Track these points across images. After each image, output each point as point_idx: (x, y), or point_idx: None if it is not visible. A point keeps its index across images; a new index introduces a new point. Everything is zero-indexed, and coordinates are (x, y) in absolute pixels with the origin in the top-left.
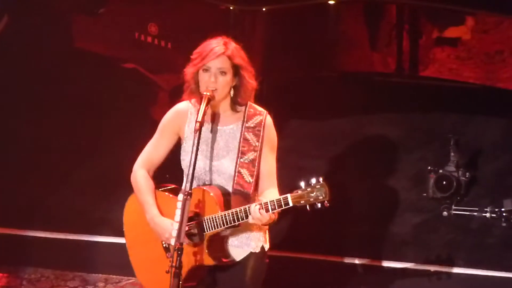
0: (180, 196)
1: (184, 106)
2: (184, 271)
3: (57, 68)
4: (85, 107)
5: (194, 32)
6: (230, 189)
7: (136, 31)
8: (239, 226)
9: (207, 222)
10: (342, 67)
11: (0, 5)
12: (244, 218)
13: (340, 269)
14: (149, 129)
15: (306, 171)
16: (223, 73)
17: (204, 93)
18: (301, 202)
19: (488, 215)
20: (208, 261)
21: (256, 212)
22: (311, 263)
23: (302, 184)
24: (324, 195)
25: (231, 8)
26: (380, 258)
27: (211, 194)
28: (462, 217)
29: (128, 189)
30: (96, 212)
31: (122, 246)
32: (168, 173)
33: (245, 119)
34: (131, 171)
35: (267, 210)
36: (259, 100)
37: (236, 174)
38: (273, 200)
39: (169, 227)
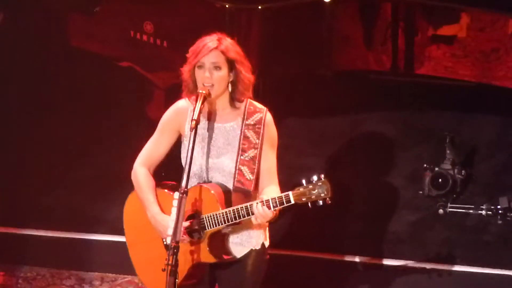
0: (176, 195)
1: (184, 103)
2: (185, 268)
3: (52, 66)
4: (81, 106)
5: (190, 30)
6: (231, 187)
7: (131, 29)
8: (240, 224)
9: (208, 219)
10: (338, 65)
11: None
12: (246, 215)
13: (337, 266)
14: (145, 127)
15: (302, 169)
16: (218, 68)
17: (200, 91)
18: (303, 199)
19: (484, 212)
20: (209, 258)
21: (259, 209)
22: (308, 261)
23: (304, 181)
24: (326, 192)
25: (226, 6)
26: (376, 256)
27: (212, 191)
28: (458, 215)
29: (124, 187)
30: (92, 210)
31: (118, 244)
32: (166, 171)
33: (245, 117)
34: (127, 169)
35: (268, 207)
36: (255, 98)
37: (237, 171)
38: (275, 198)
39: (170, 222)
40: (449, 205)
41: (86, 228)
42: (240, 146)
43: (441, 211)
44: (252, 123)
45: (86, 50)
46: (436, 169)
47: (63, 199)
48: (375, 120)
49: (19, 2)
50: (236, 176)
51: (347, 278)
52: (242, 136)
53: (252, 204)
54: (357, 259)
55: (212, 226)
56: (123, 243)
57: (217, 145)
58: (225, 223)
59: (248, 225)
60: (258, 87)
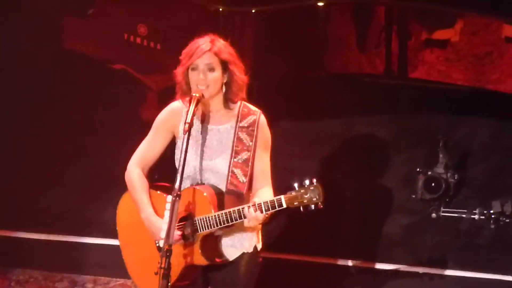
0: (169, 198)
1: (179, 104)
2: (178, 271)
3: (46, 68)
4: (74, 108)
5: (184, 33)
6: (224, 189)
7: (125, 32)
8: (233, 226)
9: (201, 222)
10: (332, 68)
11: None
12: (238, 218)
13: (330, 270)
14: (138, 130)
15: (295, 171)
16: (212, 69)
17: (193, 94)
18: (295, 203)
19: (477, 216)
20: (201, 260)
21: (251, 213)
22: (301, 264)
23: (296, 185)
24: (318, 197)
25: (220, 9)
26: (368, 260)
27: (205, 194)
28: (451, 219)
29: (117, 190)
30: (85, 213)
31: (111, 247)
32: (160, 172)
33: (239, 119)
34: (120, 172)
35: (260, 211)
36: (249, 101)
37: (230, 174)
38: (267, 201)
39: (163, 225)
40: (442, 209)
41: (79, 231)
42: (234, 148)
43: (434, 215)
44: (245, 125)
45: (79, 52)
46: (429, 172)
47: (56, 201)
48: (369, 123)
49: (12, 5)
50: (229, 178)
51: (339, 281)
52: (235, 138)
53: (244, 208)
54: (350, 262)
55: (204, 229)
56: (116, 246)
57: (210, 147)
58: (217, 225)
59: (241, 228)
60: (251, 90)
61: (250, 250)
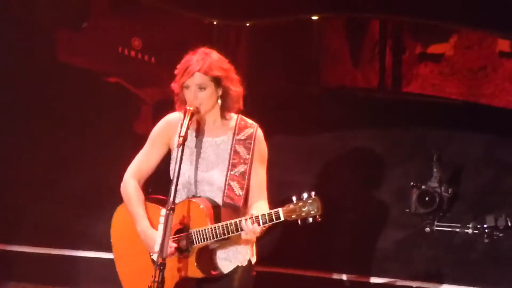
0: (163, 211)
1: (175, 116)
2: (171, 284)
3: (40, 81)
4: (68, 121)
5: (178, 46)
6: (220, 202)
7: (119, 45)
8: (227, 240)
9: (197, 234)
10: (326, 82)
11: None
12: (235, 231)
13: (324, 284)
14: (132, 142)
15: (289, 185)
16: (202, 88)
17: (188, 107)
18: (293, 216)
19: (470, 231)
20: (197, 273)
21: (248, 226)
22: (295, 278)
23: (294, 198)
24: (316, 210)
25: (215, 23)
26: (363, 274)
27: (201, 206)
28: (444, 233)
29: (111, 203)
30: (78, 226)
31: (104, 260)
32: (154, 185)
33: (236, 132)
34: (113, 185)
35: (258, 224)
36: (243, 114)
37: (226, 186)
38: (264, 214)
39: (157, 238)
40: (435, 223)
41: (72, 244)
42: (230, 161)
43: (427, 229)
44: (243, 138)
45: (74, 65)
46: (423, 187)
47: (49, 215)
48: (363, 137)
49: (7, 18)
50: (225, 191)
51: None
52: (232, 151)
53: (241, 220)
54: (344, 276)
55: (200, 241)
56: (110, 260)
57: (206, 159)
58: (213, 238)
59: (235, 241)
60: (246, 103)
61: (244, 263)
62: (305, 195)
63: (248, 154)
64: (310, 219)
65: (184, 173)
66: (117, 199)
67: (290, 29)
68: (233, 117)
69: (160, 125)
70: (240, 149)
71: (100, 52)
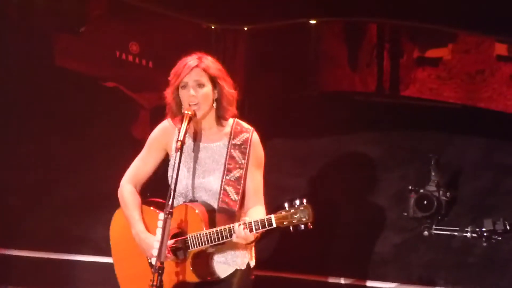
0: (161, 215)
1: (170, 123)
2: (170, 287)
3: (38, 86)
4: (66, 126)
5: (176, 51)
6: (216, 207)
7: (117, 49)
8: (225, 244)
9: (192, 239)
10: (324, 86)
11: None
12: (229, 236)
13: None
14: (130, 147)
15: (287, 189)
16: (201, 85)
17: (185, 112)
18: (285, 223)
19: (468, 234)
20: (193, 278)
21: (240, 232)
22: (293, 282)
23: (286, 205)
24: (307, 217)
25: (213, 27)
26: (361, 278)
27: (196, 211)
28: (442, 237)
29: (109, 207)
30: (76, 230)
31: (102, 265)
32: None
33: (231, 136)
34: (112, 189)
35: (250, 230)
36: (241, 118)
37: (222, 191)
38: (257, 220)
39: (154, 243)
40: (434, 227)
41: (71, 249)
42: (226, 166)
43: (426, 233)
44: (238, 143)
45: (71, 70)
46: (421, 190)
47: (48, 219)
48: (360, 141)
49: (4, 22)
50: (221, 196)
51: None
52: (228, 156)
53: (234, 226)
54: (342, 280)
55: (196, 246)
56: (108, 264)
57: (203, 165)
58: (208, 243)
59: (234, 245)
60: (243, 108)
61: (243, 267)
62: (297, 202)
63: (244, 159)
64: (302, 226)
65: (180, 180)
66: (116, 203)
67: (288, 33)
68: (229, 122)
69: (157, 130)
70: (236, 154)
71: (98, 57)
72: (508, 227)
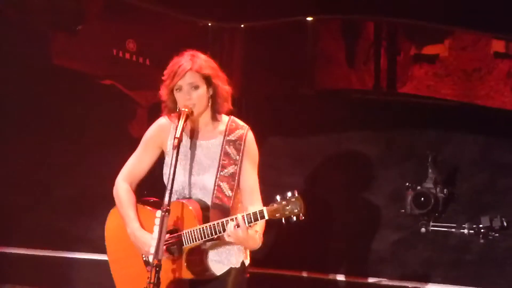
0: (159, 213)
1: (165, 121)
2: (164, 284)
3: (35, 84)
4: (63, 124)
5: (173, 48)
6: (209, 203)
7: (114, 47)
8: (218, 240)
9: (186, 235)
10: (320, 84)
11: None
12: (222, 231)
13: (318, 285)
14: (127, 146)
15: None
16: (196, 87)
17: (183, 109)
18: (277, 215)
19: (466, 231)
20: (187, 274)
21: (230, 228)
22: (290, 279)
23: (278, 197)
24: (299, 209)
25: (209, 24)
26: (358, 275)
27: (190, 207)
28: (440, 234)
29: (106, 206)
30: (74, 229)
31: (100, 263)
32: (149, 187)
33: (226, 133)
34: (109, 188)
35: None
36: (237, 117)
37: (216, 187)
38: (250, 213)
39: (149, 241)
40: (431, 223)
41: (68, 247)
42: (220, 162)
43: (423, 229)
44: (233, 139)
45: (68, 68)
46: (418, 187)
47: (45, 217)
48: (358, 138)
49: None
50: (214, 192)
51: None
52: (222, 152)
53: (227, 220)
54: (339, 277)
55: (189, 242)
56: (105, 262)
57: (199, 162)
58: (202, 238)
59: (228, 243)
60: (240, 105)
61: (238, 265)
62: (288, 194)
63: (238, 155)
64: (294, 218)
65: (176, 177)
66: (113, 202)
67: (285, 31)
68: (224, 119)
69: (152, 128)
70: (231, 150)
71: (95, 55)
72: (505, 224)
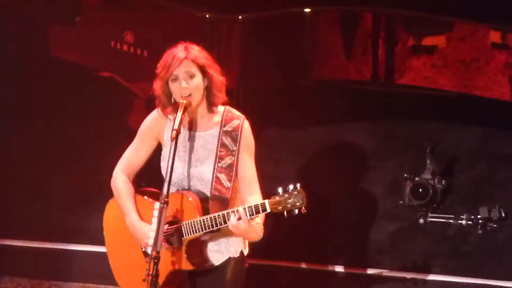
0: (157, 205)
1: (158, 114)
2: (163, 275)
3: (32, 76)
4: (61, 116)
5: (171, 40)
6: (208, 194)
7: (112, 39)
8: (218, 232)
9: (186, 227)
10: (318, 75)
11: None
12: (223, 223)
13: (317, 276)
14: (125, 137)
15: (282, 179)
16: (192, 76)
17: (181, 101)
18: (279, 208)
19: (464, 222)
20: (187, 265)
21: (232, 221)
22: (288, 270)
23: (280, 190)
24: (301, 201)
25: (207, 16)
26: (357, 266)
27: (190, 199)
28: (438, 225)
29: (104, 197)
30: (72, 220)
31: (98, 254)
32: (147, 178)
33: (222, 123)
34: (107, 179)
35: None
36: (236, 108)
37: (214, 179)
38: (251, 206)
39: (148, 232)
40: (429, 214)
41: (67, 238)
42: (218, 154)
43: (421, 220)
44: (229, 129)
45: (66, 60)
46: (417, 179)
47: (43, 209)
48: (356, 130)
49: None
50: (213, 183)
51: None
52: (219, 143)
53: (229, 212)
54: (337, 268)
55: (190, 234)
56: (104, 253)
57: (196, 154)
58: (202, 230)
59: (227, 233)
60: (238, 96)
61: (236, 255)
62: (290, 187)
63: (235, 145)
64: (296, 211)
65: (174, 170)
66: (111, 193)
67: (283, 22)
68: (220, 109)
69: (148, 120)
70: (227, 141)
71: (93, 46)
72: (503, 215)
